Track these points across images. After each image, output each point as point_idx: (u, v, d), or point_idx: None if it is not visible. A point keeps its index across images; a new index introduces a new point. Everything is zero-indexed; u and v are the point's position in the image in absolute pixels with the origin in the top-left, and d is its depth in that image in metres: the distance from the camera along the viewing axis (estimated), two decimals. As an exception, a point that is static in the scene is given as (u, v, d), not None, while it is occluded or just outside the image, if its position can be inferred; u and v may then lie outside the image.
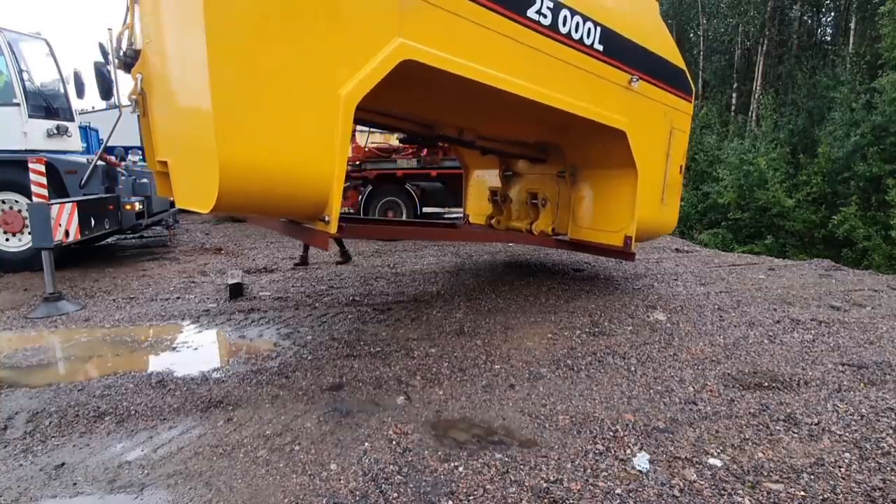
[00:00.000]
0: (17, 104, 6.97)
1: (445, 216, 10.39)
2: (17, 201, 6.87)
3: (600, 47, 4.77)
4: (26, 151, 6.68)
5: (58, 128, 7.49)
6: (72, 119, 8.02)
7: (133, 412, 3.27)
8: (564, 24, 4.48)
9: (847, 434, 3.05)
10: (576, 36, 4.61)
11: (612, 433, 3.05)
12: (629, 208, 5.48)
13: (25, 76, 7.17)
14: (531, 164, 6.60)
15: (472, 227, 7.33)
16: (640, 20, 5.28)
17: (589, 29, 4.67)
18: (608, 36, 4.81)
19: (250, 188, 3.07)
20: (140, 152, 9.57)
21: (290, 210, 3.56)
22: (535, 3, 4.23)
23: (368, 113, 5.05)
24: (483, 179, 7.37)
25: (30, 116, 7.08)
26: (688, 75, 5.88)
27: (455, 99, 4.80)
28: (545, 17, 4.32)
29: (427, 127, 5.64)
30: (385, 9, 3.30)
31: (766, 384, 3.71)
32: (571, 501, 2.45)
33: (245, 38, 2.90)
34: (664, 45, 5.51)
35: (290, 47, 3.00)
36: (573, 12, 4.54)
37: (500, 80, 4.07)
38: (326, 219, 3.31)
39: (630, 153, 5.25)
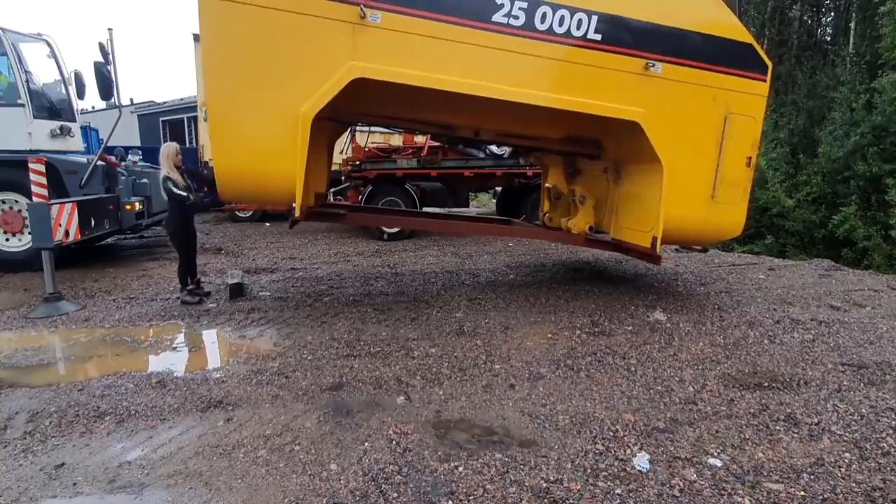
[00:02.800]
0: (22, 105, 6.99)
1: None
2: (17, 201, 6.87)
3: (597, 37, 4.65)
4: (31, 152, 6.69)
5: (61, 128, 7.51)
6: (74, 119, 8.02)
7: (133, 412, 3.27)
8: (543, 22, 4.51)
9: (847, 434, 3.05)
10: (560, 30, 4.57)
11: (612, 433, 3.05)
12: (657, 206, 5.06)
13: (29, 77, 7.18)
14: (590, 160, 6.22)
15: (523, 226, 7.15)
16: None
17: (579, 20, 4.59)
18: (608, 23, 4.65)
19: (240, 185, 4.52)
20: (140, 152, 9.57)
21: (270, 200, 5.02)
22: (501, 7, 4.41)
23: (382, 118, 5.80)
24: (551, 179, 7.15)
25: (34, 117, 7.10)
26: (757, 49, 5.09)
27: (455, 102, 4.80)
28: (516, 18, 4.46)
29: (446, 128, 5.84)
30: (339, 42, 4.21)
31: (766, 384, 3.71)
32: (571, 501, 2.45)
33: (227, 83, 4.21)
34: (710, 20, 4.93)
35: (263, 86, 4.20)
36: (556, 7, 4.52)
37: (464, 85, 4.46)
38: (293, 205, 4.34)
39: (650, 145, 4.89)
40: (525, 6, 4.47)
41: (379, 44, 4.29)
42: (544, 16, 4.52)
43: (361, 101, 5.20)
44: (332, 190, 9.55)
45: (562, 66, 4.66)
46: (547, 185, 6.98)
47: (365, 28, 4.23)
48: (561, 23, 4.55)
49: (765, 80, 5.08)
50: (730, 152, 5.12)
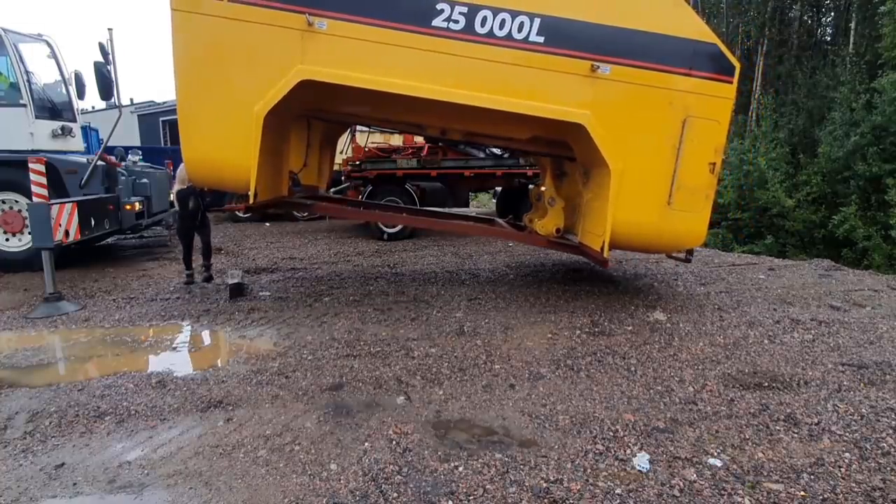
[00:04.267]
0: (24, 105, 7.00)
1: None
2: (17, 201, 6.87)
3: (539, 39, 4.67)
4: (32, 152, 6.69)
5: (62, 128, 7.52)
6: (75, 119, 8.03)
7: (133, 412, 3.27)
8: (483, 25, 4.63)
9: (847, 434, 3.05)
10: (500, 33, 4.64)
11: (612, 433, 3.05)
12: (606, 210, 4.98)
13: (31, 78, 7.18)
14: (571, 163, 6.10)
15: (503, 227, 7.16)
16: None
17: (521, 23, 4.63)
18: (552, 26, 4.66)
19: (204, 172, 5.06)
20: (140, 152, 9.57)
21: (230, 186, 5.20)
22: (442, 13, 4.58)
23: (357, 118, 6.23)
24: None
25: (36, 117, 7.10)
26: (721, 50, 4.89)
27: (414, 103, 4.97)
28: (456, 23, 4.63)
29: (416, 127, 6.09)
30: (289, 47, 4.60)
31: (766, 384, 3.71)
32: (571, 501, 2.45)
33: (193, 84, 4.72)
34: (667, 20, 4.79)
35: (221, 85, 4.68)
36: (496, 11, 4.60)
37: (403, 87, 4.70)
38: (249, 193, 4.74)
39: (596, 147, 4.83)
40: (465, 11, 4.61)
41: (326, 49, 4.63)
42: (484, 19, 4.62)
43: (336, 101, 5.54)
44: (332, 190, 9.56)
45: (503, 68, 4.72)
46: (530, 186, 7.01)
47: (313, 34, 4.59)
48: (502, 26, 4.64)
49: (731, 82, 4.89)
50: (689, 157, 4.93)
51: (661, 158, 4.97)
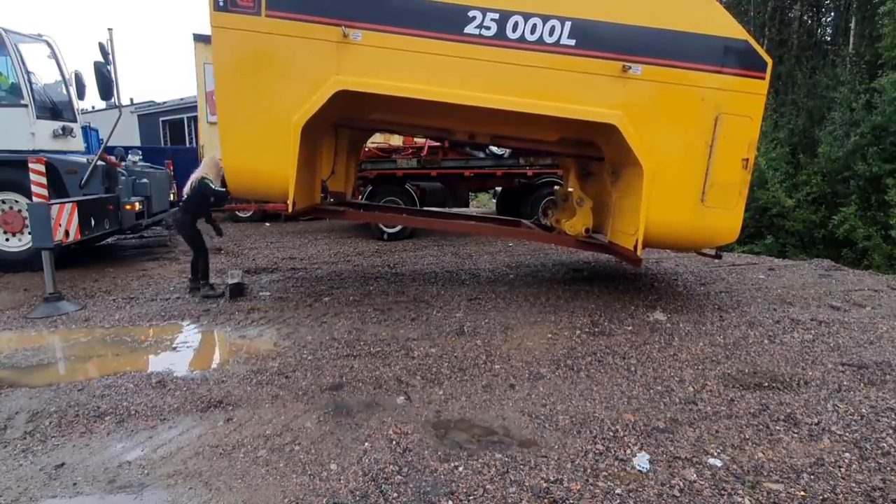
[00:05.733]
0: (26, 105, 7.00)
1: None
2: (17, 201, 6.87)
3: (570, 42, 4.73)
4: (34, 152, 6.70)
5: (63, 128, 7.52)
6: (75, 120, 8.04)
7: (133, 412, 3.27)
8: (515, 31, 4.70)
9: (847, 434, 3.05)
10: (531, 38, 4.71)
11: (612, 433, 3.05)
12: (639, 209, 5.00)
13: (31, 78, 7.18)
14: (599, 163, 6.11)
15: (521, 229, 7.20)
16: None
17: (552, 27, 4.69)
18: (582, 28, 4.71)
19: (242, 180, 5.15)
20: (140, 152, 9.56)
21: (269, 196, 5.43)
22: (473, 20, 4.66)
23: (388, 124, 6.28)
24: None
25: (37, 117, 7.11)
26: (753, 46, 4.89)
27: (446, 108, 5.04)
28: (488, 29, 4.71)
29: (445, 132, 6.15)
30: (325, 59, 4.73)
31: (766, 384, 3.71)
32: (571, 501, 2.45)
33: (233, 96, 4.86)
34: (697, 18, 4.80)
35: (260, 97, 4.81)
36: (527, 16, 4.66)
37: (437, 94, 4.78)
38: (287, 202, 4.91)
39: (628, 147, 4.86)
40: (496, 17, 4.68)
41: (362, 59, 4.76)
42: (516, 25, 4.69)
43: (366, 109, 5.64)
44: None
45: (535, 72, 4.79)
46: (556, 187, 7.01)
47: (348, 45, 4.71)
48: (533, 31, 4.70)
49: (763, 78, 4.88)
50: (722, 154, 4.96)
51: (693, 156, 4.99)
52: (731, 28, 4.88)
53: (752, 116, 4.96)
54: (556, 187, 7.12)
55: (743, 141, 4.98)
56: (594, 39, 4.74)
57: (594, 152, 5.85)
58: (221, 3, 4.64)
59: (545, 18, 4.67)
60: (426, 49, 4.73)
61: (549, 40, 4.71)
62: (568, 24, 4.68)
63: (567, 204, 6.67)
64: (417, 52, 4.74)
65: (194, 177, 5.73)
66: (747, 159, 5.02)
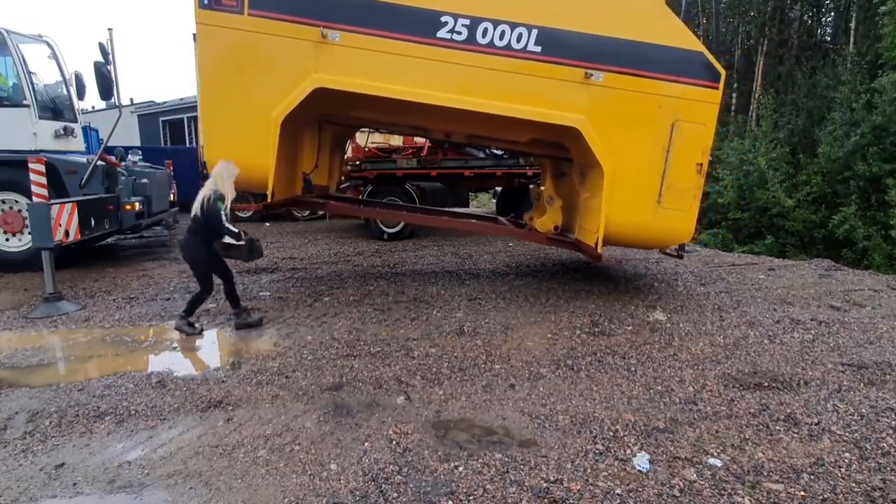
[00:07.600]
0: (27, 106, 7.01)
1: None
2: (17, 201, 6.87)
3: (537, 49, 4.96)
4: (35, 152, 6.70)
5: (65, 129, 7.53)
6: (76, 120, 8.04)
7: (133, 412, 3.27)
8: (484, 36, 4.94)
9: (847, 434, 3.05)
10: (500, 44, 4.95)
11: (612, 433, 3.05)
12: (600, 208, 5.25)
13: (33, 78, 7.19)
14: (570, 164, 6.29)
15: (505, 224, 7.43)
16: (613, 10, 5.06)
17: (520, 34, 4.93)
18: (548, 36, 4.94)
19: None
20: (140, 152, 9.56)
21: (250, 186, 5.35)
22: (445, 24, 4.90)
23: (368, 121, 6.51)
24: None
25: (39, 118, 7.11)
26: (707, 57, 5.13)
27: (421, 108, 5.24)
28: (459, 34, 4.94)
29: (422, 130, 6.41)
30: (304, 57, 4.92)
31: (766, 384, 3.71)
32: (571, 501, 2.45)
33: (216, 91, 5.09)
34: (656, 30, 5.03)
35: (241, 92, 4.99)
36: (496, 23, 4.90)
37: (409, 94, 5.00)
38: (267, 192, 5.11)
39: (590, 149, 5.09)
40: (467, 23, 4.92)
41: (339, 59, 4.96)
42: (485, 31, 4.93)
43: (347, 107, 5.83)
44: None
45: (503, 76, 5.02)
46: (530, 186, 7.25)
47: (327, 45, 4.91)
48: (502, 37, 4.95)
49: (717, 88, 5.15)
50: (678, 159, 5.20)
51: (651, 160, 5.24)
52: (688, 40, 5.14)
53: (706, 124, 5.21)
54: (530, 186, 7.38)
55: (697, 147, 5.23)
56: (559, 47, 4.98)
57: (565, 154, 6.08)
58: (206, 2, 4.81)
59: (513, 26, 4.91)
60: (401, 51, 4.94)
61: (516, 46, 4.96)
62: (535, 32, 4.93)
63: (539, 203, 6.90)
64: (392, 53, 4.95)
65: (204, 193, 4.48)
66: (701, 164, 5.27)
